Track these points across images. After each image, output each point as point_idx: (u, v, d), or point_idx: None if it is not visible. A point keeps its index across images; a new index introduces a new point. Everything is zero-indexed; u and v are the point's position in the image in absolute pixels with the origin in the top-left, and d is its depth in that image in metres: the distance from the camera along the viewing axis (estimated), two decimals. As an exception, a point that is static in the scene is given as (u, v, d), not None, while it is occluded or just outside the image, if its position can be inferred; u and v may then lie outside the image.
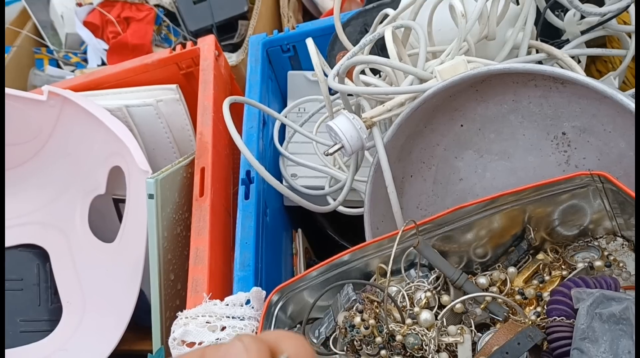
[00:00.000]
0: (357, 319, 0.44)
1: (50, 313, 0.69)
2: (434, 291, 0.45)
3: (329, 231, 0.70)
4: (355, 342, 0.44)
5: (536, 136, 0.51)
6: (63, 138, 0.72)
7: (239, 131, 0.61)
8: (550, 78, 0.48)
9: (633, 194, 0.40)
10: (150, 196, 0.57)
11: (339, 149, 0.51)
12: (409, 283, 0.47)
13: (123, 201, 0.73)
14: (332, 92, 0.68)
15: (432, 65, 0.51)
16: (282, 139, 0.72)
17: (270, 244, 0.64)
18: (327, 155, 0.51)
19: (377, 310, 0.44)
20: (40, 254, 0.71)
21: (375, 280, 0.49)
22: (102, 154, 0.70)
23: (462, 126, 0.54)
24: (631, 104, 0.42)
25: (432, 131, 0.54)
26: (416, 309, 0.44)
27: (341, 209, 0.63)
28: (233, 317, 0.49)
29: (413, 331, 0.43)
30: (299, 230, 0.72)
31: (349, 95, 0.61)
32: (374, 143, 0.53)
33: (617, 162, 0.48)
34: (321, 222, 0.71)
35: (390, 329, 0.43)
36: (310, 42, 0.58)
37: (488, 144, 0.53)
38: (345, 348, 0.45)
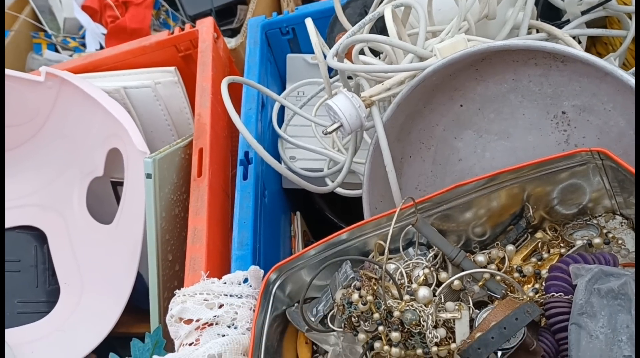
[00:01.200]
0: (355, 296, 0.44)
1: (47, 295, 0.68)
2: (432, 269, 0.45)
3: (327, 214, 0.70)
4: (352, 318, 0.44)
5: (536, 115, 0.51)
6: (60, 120, 0.72)
7: (238, 113, 0.61)
8: (550, 57, 0.48)
9: (633, 170, 0.40)
10: (148, 176, 0.57)
11: (337, 128, 0.50)
12: (407, 261, 0.47)
13: (121, 184, 0.72)
14: (331, 75, 0.68)
15: (432, 44, 0.50)
16: (280, 123, 0.72)
17: (269, 226, 0.64)
18: (325, 134, 0.51)
19: (375, 287, 0.44)
20: (38, 236, 0.71)
21: (373, 257, 0.49)
22: (100, 136, 0.70)
23: (461, 105, 0.54)
24: (631, 80, 0.42)
25: (431, 110, 0.54)
26: (414, 285, 0.44)
27: (339, 190, 0.63)
28: (231, 295, 0.49)
29: (411, 307, 0.43)
30: (298, 213, 0.72)
31: (349, 78, 0.61)
32: (373, 122, 0.53)
33: (617, 141, 0.48)
34: (320, 204, 0.71)
35: (388, 305, 0.43)
36: (309, 22, 0.58)
37: (488, 124, 0.53)
38: (342, 325, 0.45)
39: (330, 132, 0.50)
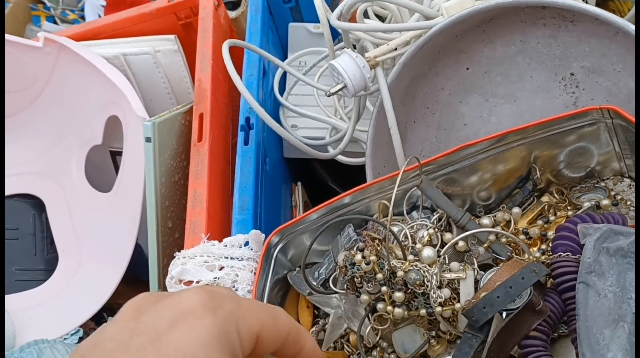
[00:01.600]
0: (358, 257, 0.43)
1: (46, 263, 0.68)
2: (436, 230, 0.45)
3: (329, 183, 0.69)
4: (355, 279, 0.43)
5: (544, 77, 0.50)
6: (59, 87, 0.70)
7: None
8: (559, 17, 0.47)
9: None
10: (148, 140, 0.56)
11: (341, 89, 0.49)
12: (410, 224, 0.46)
13: (120, 153, 0.71)
14: (335, 42, 0.67)
15: (439, 2, 0.49)
16: (282, 92, 0.71)
17: (270, 195, 0.63)
18: (328, 95, 0.50)
19: (379, 248, 0.43)
20: (36, 204, 0.70)
21: (378, 217, 0.48)
22: (99, 103, 0.68)
23: (467, 69, 0.52)
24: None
25: (437, 74, 0.53)
26: (418, 246, 0.43)
27: (341, 158, 0.62)
28: (231, 258, 0.48)
29: (415, 267, 0.42)
30: (299, 183, 0.71)
31: (353, 46, 0.60)
32: (377, 86, 0.52)
33: (627, 102, 0.47)
34: (321, 174, 0.70)
35: (392, 266, 0.42)
36: (312, -16, 0.56)
37: (494, 88, 0.52)
38: (345, 286, 0.45)
39: (333, 94, 0.49)
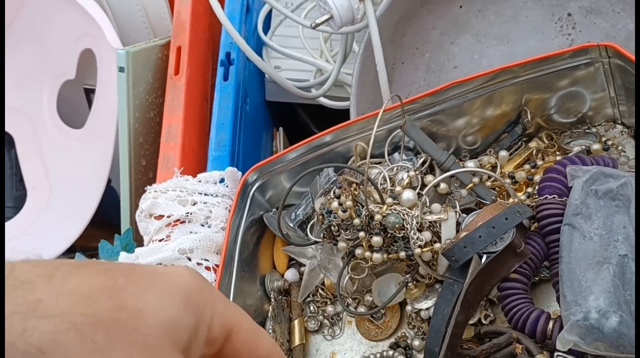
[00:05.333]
0: (335, 204, 0.41)
1: (15, 200, 0.65)
2: (417, 172, 0.43)
3: (312, 129, 0.67)
4: (332, 228, 0.41)
5: (540, 17, 0.47)
6: (31, 17, 0.67)
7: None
8: (560, -49, 0.45)
9: (642, 65, 0.37)
10: (121, 69, 0.53)
11: (327, 19, 0.46)
12: (391, 166, 0.44)
13: (94, 91, 0.68)
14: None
15: None
16: (266, 32, 0.67)
17: (250, 137, 0.61)
18: (314, 27, 0.47)
19: (356, 192, 0.41)
20: (5, 139, 0.67)
21: (354, 161, 0.46)
22: (73, 35, 0.65)
23: (461, 7, 0.50)
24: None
25: (428, 11, 0.50)
26: (397, 188, 0.41)
27: (324, 101, 0.60)
28: (205, 194, 0.46)
29: (394, 211, 0.40)
30: (281, 129, 0.69)
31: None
32: (365, 22, 0.49)
33: (624, 45, 0.44)
34: (304, 119, 0.68)
35: (370, 210, 0.40)
36: None
37: (487, 28, 0.50)
38: (322, 235, 0.43)
39: (319, 24, 0.46)
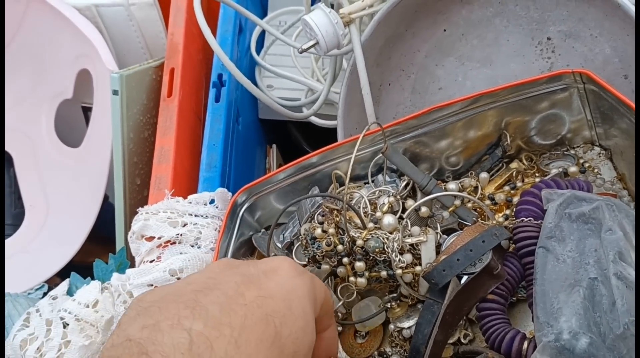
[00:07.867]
0: (319, 231, 0.42)
1: (13, 218, 0.67)
2: (397, 197, 0.44)
3: (304, 147, 0.68)
4: (317, 257, 0.43)
5: (520, 41, 0.49)
6: (29, 38, 0.68)
7: (213, 35, 0.58)
8: (539, -22, 0.46)
9: (615, 92, 0.39)
10: (115, 92, 0.54)
11: (313, 45, 0.48)
12: (372, 190, 0.45)
13: (92, 109, 0.70)
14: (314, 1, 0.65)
15: (416, -41, 0.48)
16: (259, 51, 0.69)
17: (242, 155, 0.62)
18: (301, 52, 0.48)
19: (338, 219, 0.42)
20: (4, 158, 0.69)
21: (334, 188, 0.47)
22: (70, 56, 0.66)
23: (445, 30, 0.51)
24: (620, 1, 0.40)
25: (413, 35, 0.52)
26: (378, 213, 0.42)
27: (315, 120, 0.61)
28: (196, 215, 0.48)
29: (374, 235, 0.41)
30: (274, 146, 0.70)
31: (331, 5, 0.58)
32: (351, 46, 0.50)
33: (601, 69, 0.46)
34: (296, 136, 0.69)
35: (352, 236, 0.41)
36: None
37: (470, 51, 0.51)
38: (307, 259, 0.44)
39: (305, 50, 0.48)
